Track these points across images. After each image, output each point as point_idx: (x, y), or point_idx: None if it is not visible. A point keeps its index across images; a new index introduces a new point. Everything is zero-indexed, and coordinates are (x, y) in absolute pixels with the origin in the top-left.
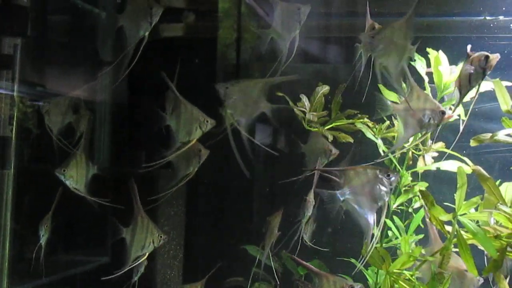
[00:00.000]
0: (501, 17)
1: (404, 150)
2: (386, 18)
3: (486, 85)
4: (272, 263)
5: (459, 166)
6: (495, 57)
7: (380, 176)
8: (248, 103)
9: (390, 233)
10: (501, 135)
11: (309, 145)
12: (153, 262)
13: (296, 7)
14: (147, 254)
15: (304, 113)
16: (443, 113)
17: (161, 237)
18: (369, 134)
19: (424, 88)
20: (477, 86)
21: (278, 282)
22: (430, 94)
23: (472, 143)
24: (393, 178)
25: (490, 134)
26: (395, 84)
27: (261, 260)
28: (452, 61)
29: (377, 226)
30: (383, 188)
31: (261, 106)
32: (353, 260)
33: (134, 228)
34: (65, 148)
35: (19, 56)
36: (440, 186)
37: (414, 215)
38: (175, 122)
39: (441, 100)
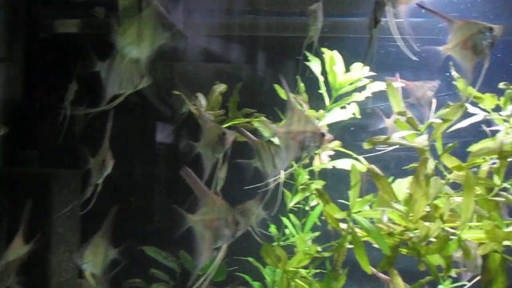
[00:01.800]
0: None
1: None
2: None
3: (379, 85)
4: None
5: (352, 164)
6: None
7: None
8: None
9: (287, 231)
10: (394, 137)
11: (203, 140)
12: (49, 263)
13: None
14: None
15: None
16: (323, 135)
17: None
18: (266, 133)
19: (319, 88)
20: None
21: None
22: (326, 94)
23: (366, 146)
24: None
25: (384, 137)
26: None
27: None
28: (348, 61)
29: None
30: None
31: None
32: (251, 259)
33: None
34: None
35: None
36: (337, 184)
37: (310, 213)
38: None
39: (336, 99)
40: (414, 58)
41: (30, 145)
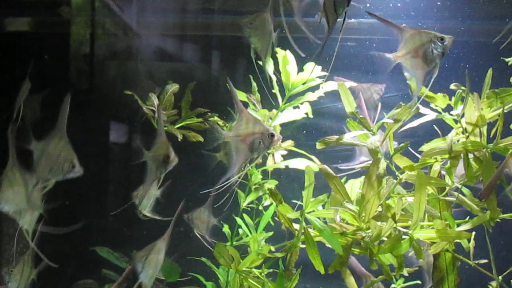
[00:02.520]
0: (352, 20)
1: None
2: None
3: (331, 85)
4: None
5: (307, 165)
6: None
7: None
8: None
9: (240, 231)
10: (347, 138)
11: (152, 152)
12: None
13: None
14: None
15: (154, 111)
16: (272, 135)
17: None
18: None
19: (272, 87)
20: (343, 13)
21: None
22: (279, 93)
23: (318, 146)
24: None
25: (336, 137)
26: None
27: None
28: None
29: None
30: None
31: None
32: (204, 259)
33: None
34: None
35: None
36: (291, 184)
37: (264, 213)
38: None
39: (289, 99)
40: (303, 55)
41: None
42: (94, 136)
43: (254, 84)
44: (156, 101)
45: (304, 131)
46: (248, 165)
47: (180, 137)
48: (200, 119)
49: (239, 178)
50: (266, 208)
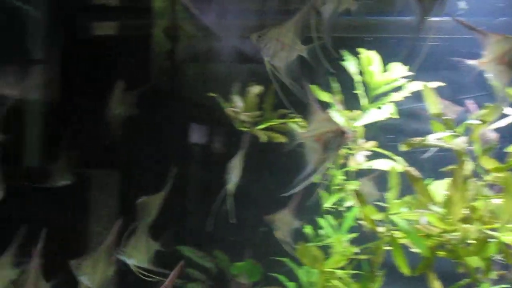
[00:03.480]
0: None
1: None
2: None
3: (416, 86)
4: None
5: (391, 166)
6: None
7: None
8: (282, 47)
9: (322, 231)
10: (431, 139)
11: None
12: None
13: None
14: None
15: (236, 113)
16: (343, 132)
17: None
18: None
19: (354, 88)
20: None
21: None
22: (363, 94)
23: (402, 148)
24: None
25: (420, 138)
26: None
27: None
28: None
29: None
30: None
31: (296, 49)
32: (286, 260)
33: None
34: None
35: None
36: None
37: (346, 214)
38: None
39: (374, 99)
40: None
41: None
42: (176, 137)
43: (335, 84)
44: (239, 103)
45: (386, 132)
46: (325, 164)
47: (264, 138)
48: (283, 120)
49: (319, 178)
50: (348, 209)
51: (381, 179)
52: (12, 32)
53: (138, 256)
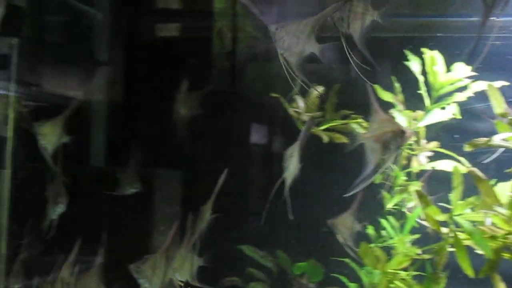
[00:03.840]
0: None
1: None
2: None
3: (480, 86)
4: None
5: (454, 167)
6: None
7: None
8: (297, 43)
9: (384, 232)
10: (496, 139)
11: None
12: None
13: None
14: None
15: (298, 113)
16: (403, 132)
17: None
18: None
19: (418, 88)
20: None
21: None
22: (426, 94)
23: (467, 148)
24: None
25: (485, 139)
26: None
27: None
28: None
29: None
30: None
31: (310, 47)
32: (347, 260)
33: None
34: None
35: (16, 56)
36: (435, 186)
37: (408, 215)
38: None
39: (437, 99)
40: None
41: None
42: (237, 138)
43: (397, 84)
44: (301, 103)
45: (449, 132)
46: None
47: (326, 139)
48: (345, 121)
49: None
50: (410, 210)
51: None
52: (77, 34)
53: (182, 271)
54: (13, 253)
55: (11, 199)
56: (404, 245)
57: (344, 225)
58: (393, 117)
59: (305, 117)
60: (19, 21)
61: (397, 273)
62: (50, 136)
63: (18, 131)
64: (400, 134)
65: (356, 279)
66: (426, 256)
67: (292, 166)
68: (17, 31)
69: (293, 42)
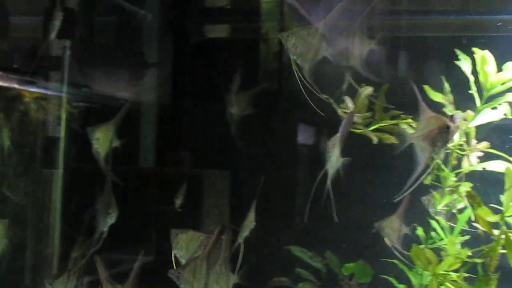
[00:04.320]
0: None
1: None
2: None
3: None
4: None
5: (507, 167)
6: None
7: None
8: (309, 48)
9: (433, 234)
10: None
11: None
12: None
13: None
14: None
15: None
16: (448, 127)
17: None
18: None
19: (469, 88)
20: None
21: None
22: (476, 94)
23: None
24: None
25: None
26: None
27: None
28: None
29: None
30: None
31: (322, 50)
32: (396, 261)
33: None
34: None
35: (68, 58)
36: (485, 187)
37: (458, 216)
38: None
39: (488, 99)
40: None
41: (181, 147)
42: (285, 138)
43: (446, 85)
44: (350, 104)
45: (501, 133)
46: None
47: (375, 140)
48: (394, 121)
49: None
50: (460, 211)
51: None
52: (127, 36)
53: None
54: (65, 253)
55: (63, 199)
56: (454, 246)
57: (391, 227)
58: (438, 115)
59: (355, 118)
60: (72, 24)
61: (448, 275)
62: (103, 141)
63: (69, 132)
64: (445, 129)
65: (405, 281)
66: (478, 260)
67: (334, 157)
68: (70, 33)
69: (305, 48)
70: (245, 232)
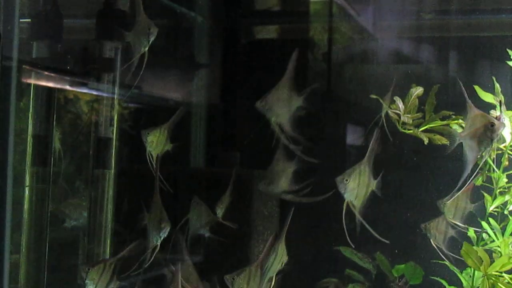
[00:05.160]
0: None
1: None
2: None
3: None
4: (366, 264)
5: None
6: None
7: None
8: (282, 105)
9: (484, 235)
10: None
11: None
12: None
13: None
14: None
15: (398, 115)
16: (492, 125)
17: None
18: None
19: None
20: None
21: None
22: None
23: None
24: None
25: None
26: None
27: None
28: None
29: None
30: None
31: (293, 102)
32: (447, 263)
33: None
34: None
35: (119, 59)
36: None
37: (510, 217)
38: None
39: None
40: None
41: (232, 147)
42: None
43: (497, 85)
44: (401, 105)
45: None
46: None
47: (426, 141)
48: (444, 122)
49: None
50: (511, 212)
51: None
52: (178, 37)
53: None
54: (116, 252)
55: (115, 199)
56: (507, 247)
57: (438, 229)
58: (484, 113)
59: (405, 118)
60: (124, 25)
61: (501, 276)
62: (156, 144)
63: (120, 133)
64: (489, 127)
65: (455, 283)
66: None
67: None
68: (122, 35)
69: (279, 106)
70: (275, 267)
